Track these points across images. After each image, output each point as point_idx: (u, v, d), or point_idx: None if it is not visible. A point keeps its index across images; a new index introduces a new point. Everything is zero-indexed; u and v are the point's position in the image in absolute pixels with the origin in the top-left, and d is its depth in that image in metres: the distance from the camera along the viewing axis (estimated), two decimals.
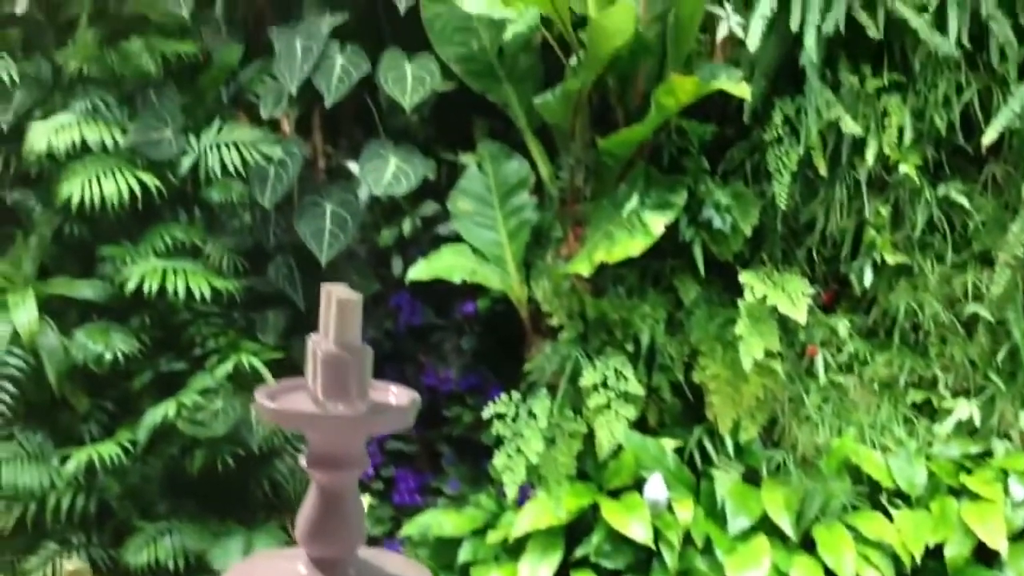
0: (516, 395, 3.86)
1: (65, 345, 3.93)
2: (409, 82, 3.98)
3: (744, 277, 3.65)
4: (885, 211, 3.67)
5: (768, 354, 3.62)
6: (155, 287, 3.90)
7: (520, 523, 3.59)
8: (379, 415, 1.75)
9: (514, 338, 4.14)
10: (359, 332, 1.73)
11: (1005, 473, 3.49)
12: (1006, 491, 3.44)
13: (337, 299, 1.70)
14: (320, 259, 4.01)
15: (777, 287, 3.64)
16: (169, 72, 4.16)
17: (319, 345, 1.73)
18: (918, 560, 3.36)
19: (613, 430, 3.64)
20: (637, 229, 3.69)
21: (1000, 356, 3.62)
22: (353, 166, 4.17)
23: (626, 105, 3.88)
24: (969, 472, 3.55)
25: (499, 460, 3.70)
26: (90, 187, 3.89)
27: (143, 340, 4.05)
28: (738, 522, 3.50)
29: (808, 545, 3.48)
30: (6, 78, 4.04)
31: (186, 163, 4.04)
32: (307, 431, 1.76)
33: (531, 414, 3.75)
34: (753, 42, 3.41)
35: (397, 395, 1.81)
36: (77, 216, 4.05)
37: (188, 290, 3.92)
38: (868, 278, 3.69)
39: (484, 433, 3.91)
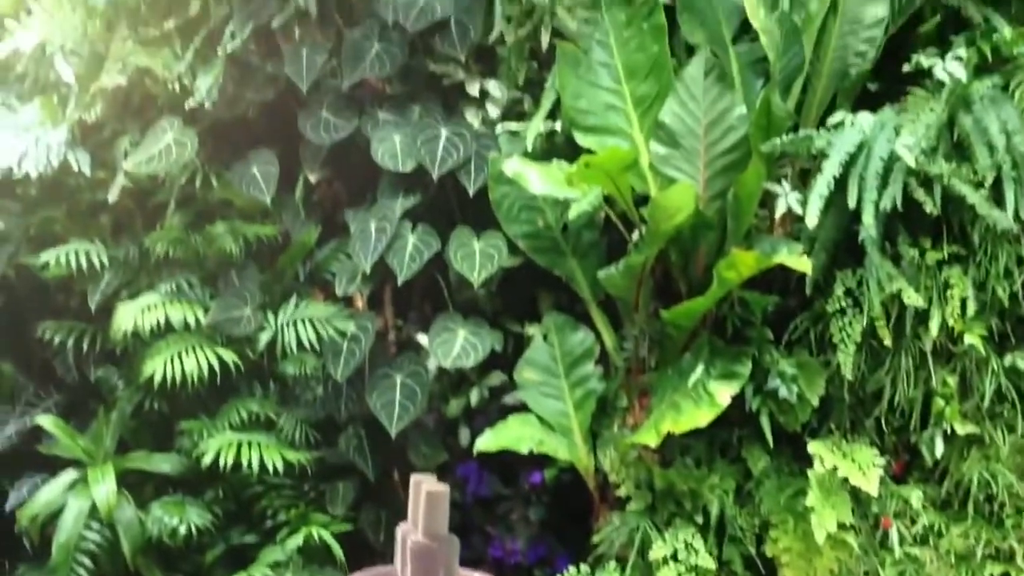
0: (584, 568, 3.84)
1: (141, 519, 4.01)
2: (477, 259, 4.13)
3: (813, 448, 3.65)
4: (952, 381, 3.67)
5: (841, 526, 3.59)
6: (230, 460, 3.99)
7: None
8: None
9: (582, 509, 4.15)
10: (447, 522, 1.79)
11: None
12: None
13: (427, 491, 1.77)
14: (390, 431, 4.09)
15: (847, 458, 3.63)
16: (250, 252, 4.38)
17: (409, 535, 1.79)
18: None
19: None
20: (703, 399, 3.73)
21: None
22: (423, 339, 4.29)
23: (688, 277, 3.97)
24: None
25: None
26: (172, 364, 4.05)
27: (216, 513, 4.12)
28: None
29: None
30: (96, 262, 4.27)
31: (264, 339, 4.19)
32: None
33: None
34: (811, 219, 3.50)
35: None
36: (157, 391, 4.20)
37: (261, 462, 4.01)
38: (939, 448, 3.67)
39: None
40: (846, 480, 3.57)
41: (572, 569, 3.82)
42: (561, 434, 4.01)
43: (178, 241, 4.32)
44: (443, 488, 1.78)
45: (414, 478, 1.80)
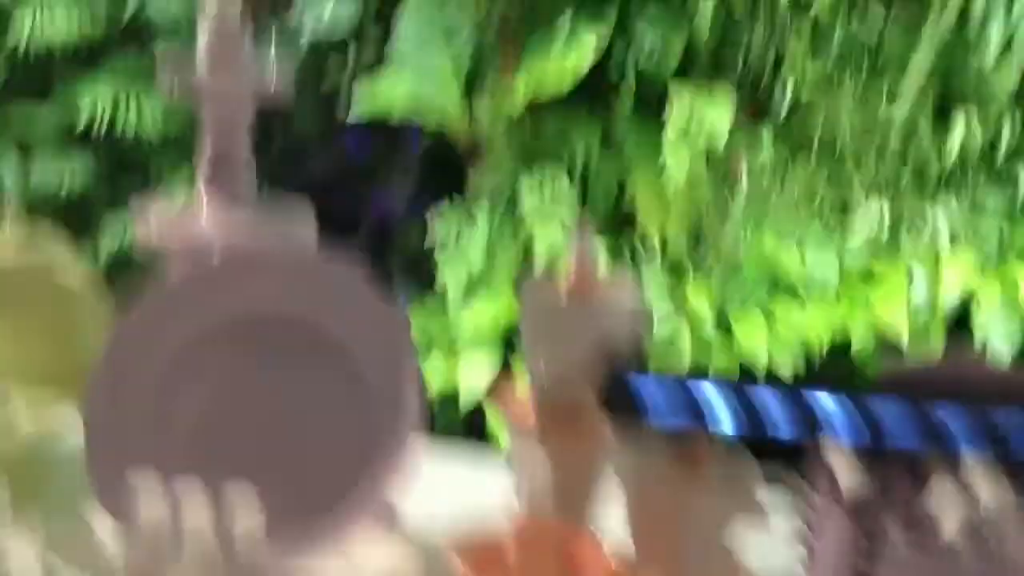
0: (460, 202, 4.07)
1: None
2: None
3: (672, 88, 3.88)
4: (805, 36, 3.90)
5: (695, 160, 3.85)
6: (109, 114, 4.03)
7: (464, 324, 3.83)
8: None
9: (460, 163, 4.32)
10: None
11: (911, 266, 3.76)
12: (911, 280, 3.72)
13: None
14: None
15: (703, 98, 3.87)
16: None
17: None
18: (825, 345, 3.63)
19: (550, 232, 3.88)
20: (572, 49, 3.89)
21: (909, 157, 3.89)
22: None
23: None
24: (878, 265, 3.80)
25: (442, 263, 3.93)
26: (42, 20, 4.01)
27: (98, 167, 4.18)
28: (662, 308, 3.78)
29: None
30: None
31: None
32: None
33: (472, 220, 3.98)
34: None
35: None
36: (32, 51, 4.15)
37: (141, 115, 4.07)
38: (789, 97, 3.92)
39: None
40: (702, 119, 3.82)
41: (447, 205, 4.03)
42: (437, 91, 4.14)
43: None
44: None
45: None
